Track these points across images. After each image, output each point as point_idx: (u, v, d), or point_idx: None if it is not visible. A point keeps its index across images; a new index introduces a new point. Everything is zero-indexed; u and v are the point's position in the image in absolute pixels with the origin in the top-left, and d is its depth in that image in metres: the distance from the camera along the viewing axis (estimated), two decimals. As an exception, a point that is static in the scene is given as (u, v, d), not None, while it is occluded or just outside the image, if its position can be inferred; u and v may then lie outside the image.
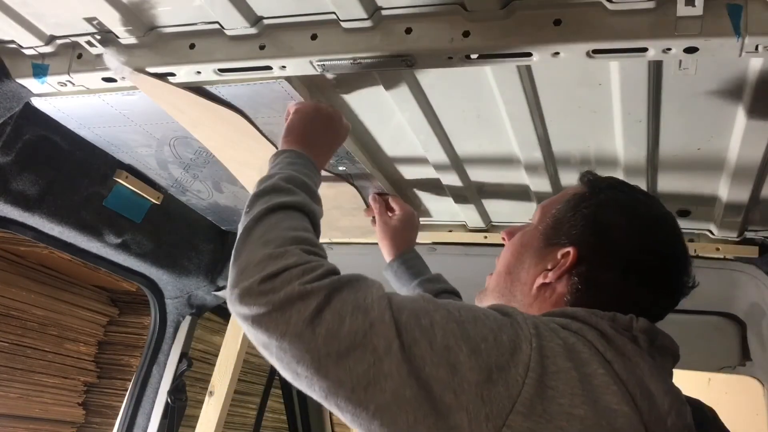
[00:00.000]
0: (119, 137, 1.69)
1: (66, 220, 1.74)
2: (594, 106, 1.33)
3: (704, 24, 0.97)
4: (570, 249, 0.92)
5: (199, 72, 1.29)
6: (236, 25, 1.21)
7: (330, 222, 1.99)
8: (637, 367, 0.78)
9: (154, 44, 1.29)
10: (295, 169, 1.03)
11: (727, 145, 1.38)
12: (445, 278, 1.55)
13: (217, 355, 2.44)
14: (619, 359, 0.77)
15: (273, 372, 3.39)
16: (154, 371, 2.25)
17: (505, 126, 1.44)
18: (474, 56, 1.12)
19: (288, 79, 1.28)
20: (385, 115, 1.47)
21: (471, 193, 1.77)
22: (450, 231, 1.98)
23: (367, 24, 1.14)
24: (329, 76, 1.32)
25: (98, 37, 1.30)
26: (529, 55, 1.09)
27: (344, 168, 1.67)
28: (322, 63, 1.20)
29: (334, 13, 1.15)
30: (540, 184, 1.63)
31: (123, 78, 1.33)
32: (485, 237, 1.93)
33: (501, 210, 1.87)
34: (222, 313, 2.59)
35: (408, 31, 1.13)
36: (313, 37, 1.19)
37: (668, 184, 1.59)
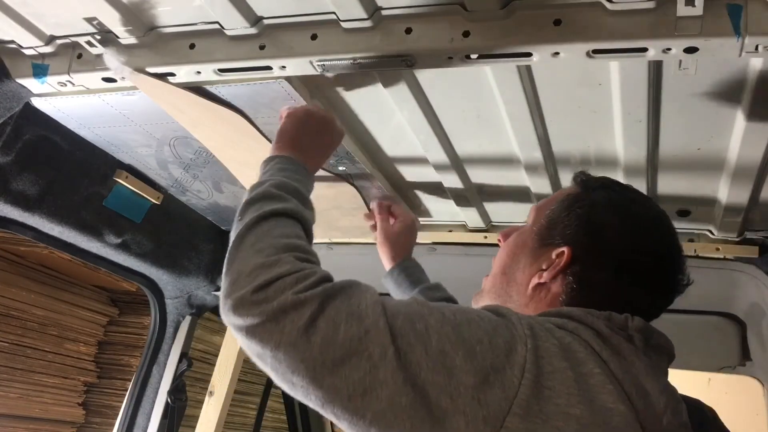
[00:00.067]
0: (119, 137, 1.69)
1: (66, 220, 1.74)
2: (594, 106, 1.33)
3: (704, 24, 0.98)
4: (564, 249, 0.93)
5: (199, 72, 1.29)
6: (236, 25, 1.21)
7: (330, 222, 1.99)
8: (632, 366, 0.78)
9: (154, 44, 1.29)
10: (286, 175, 1.02)
11: (727, 145, 1.38)
12: (446, 282, 1.54)
13: (217, 355, 2.44)
14: (615, 358, 0.77)
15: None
16: (154, 371, 2.25)
17: (505, 126, 1.44)
18: (474, 56, 1.12)
19: (288, 79, 1.28)
20: (385, 115, 1.47)
21: (471, 194, 1.77)
22: (450, 231, 1.98)
23: (367, 24, 1.14)
24: (329, 75, 1.32)
25: (98, 37, 1.30)
26: (529, 55, 1.09)
27: (344, 168, 1.67)
28: (322, 63, 1.20)
29: (334, 13, 1.15)
30: (540, 184, 1.63)
31: (123, 78, 1.33)
32: (485, 237, 1.93)
33: (501, 210, 1.87)
34: (222, 313, 2.58)
35: (408, 31, 1.13)
36: (313, 37, 1.19)
37: (668, 184, 1.59)
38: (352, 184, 1.76)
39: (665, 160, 1.49)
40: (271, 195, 0.95)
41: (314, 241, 2.28)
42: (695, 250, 1.76)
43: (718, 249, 1.75)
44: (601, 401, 0.72)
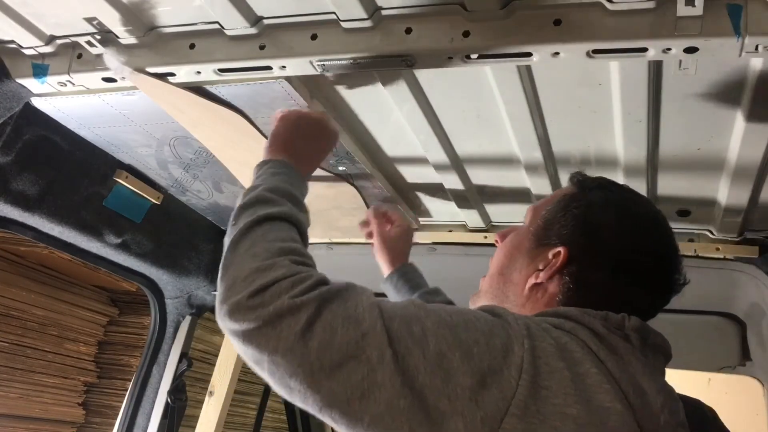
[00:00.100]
0: (119, 137, 1.69)
1: (66, 220, 1.74)
2: (594, 106, 1.33)
3: (704, 24, 0.98)
4: (561, 249, 0.93)
5: (199, 72, 1.29)
6: (236, 25, 1.21)
7: (330, 222, 1.99)
8: (629, 365, 0.78)
9: (154, 44, 1.29)
10: (279, 179, 1.02)
11: (727, 145, 1.38)
12: (446, 282, 1.54)
13: (217, 355, 2.44)
14: (612, 358, 0.77)
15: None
16: (154, 371, 2.25)
17: (505, 126, 1.44)
18: (474, 56, 1.12)
19: (288, 79, 1.28)
20: (385, 114, 1.47)
21: (471, 194, 1.77)
22: (450, 231, 1.98)
23: (367, 24, 1.14)
24: (329, 75, 1.32)
25: (98, 37, 1.30)
26: (529, 55, 1.09)
27: (344, 168, 1.67)
28: (322, 63, 1.20)
29: (334, 13, 1.15)
30: (540, 184, 1.63)
31: (123, 78, 1.33)
32: (485, 237, 1.94)
33: (501, 210, 1.87)
34: (222, 313, 2.58)
35: (408, 31, 1.13)
36: (313, 37, 1.19)
37: (668, 184, 1.59)
38: (352, 184, 1.76)
39: (665, 160, 1.49)
40: (265, 199, 0.95)
41: (314, 241, 2.29)
42: (695, 250, 1.76)
43: (718, 249, 1.75)
44: (598, 401, 0.72)
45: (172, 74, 1.31)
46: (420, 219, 1.98)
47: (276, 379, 0.74)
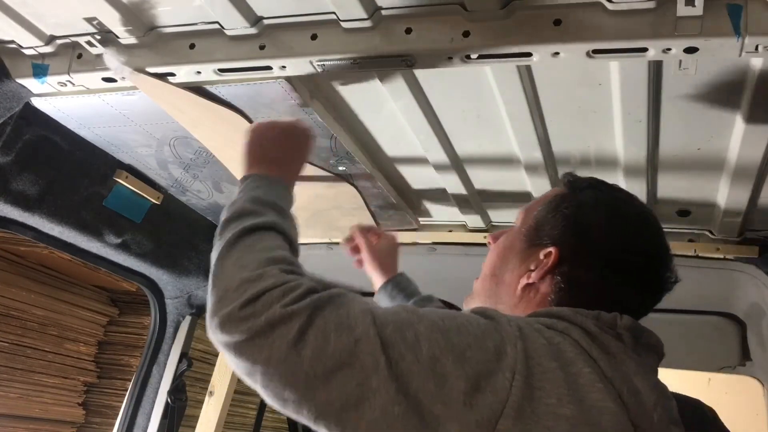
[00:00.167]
0: (119, 137, 1.69)
1: (66, 220, 1.74)
2: (594, 106, 1.33)
3: (704, 24, 0.98)
4: (552, 249, 0.93)
5: (199, 72, 1.29)
6: (236, 25, 1.21)
7: (330, 222, 1.99)
8: (622, 364, 0.78)
9: (154, 44, 1.29)
10: (260, 191, 1.00)
11: (727, 145, 1.38)
12: (446, 282, 1.55)
13: (217, 355, 2.43)
14: (605, 357, 0.78)
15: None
16: (154, 371, 2.25)
17: (505, 126, 1.44)
18: (474, 56, 1.12)
19: (288, 79, 1.28)
20: (384, 115, 1.47)
21: (471, 194, 1.77)
22: (450, 231, 1.98)
23: (367, 24, 1.14)
24: (329, 76, 1.32)
25: (98, 37, 1.30)
26: (529, 55, 1.09)
27: (344, 168, 1.67)
28: (322, 63, 1.20)
29: (334, 13, 1.15)
30: (540, 184, 1.63)
31: (123, 78, 1.33)
32: (485, 237, 1.93)
33: (501, 210, 1.87)
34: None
35: (408, 31, 1.13)
36: (313, 37, 1.19)
37: (668, 184, 1.59)
38: (352, 184, 1.76)
39: (665, 160, 1.49)
40: (248, 211, 0.94)
41: (314, 241, 2.29)
42: (695, 250, 1.76)
43: (718, 249, 1.75)
44: (591, 400, 0.72)
45: (172, 74, 1.31)
46: (420, 219, 1.98)
47: (269, 391, 0.74)
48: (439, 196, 1.84)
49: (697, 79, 1.19)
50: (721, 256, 1.75)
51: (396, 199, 1.83)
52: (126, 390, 2.43)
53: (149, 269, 2.11)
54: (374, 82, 1.34)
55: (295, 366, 0.72)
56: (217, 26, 1.23)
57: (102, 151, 1.77)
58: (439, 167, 1.64)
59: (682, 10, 0.97)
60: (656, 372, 0.87)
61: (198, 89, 1.36)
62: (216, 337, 0.78)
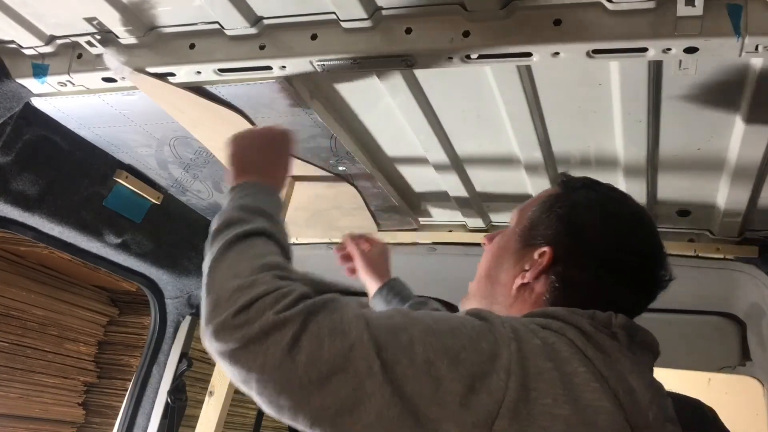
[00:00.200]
0: (119, 137, 1.69)
1: (66, 220, 1.74)
2: (594, 106, 1.33)
3: (704, 24, 0.97)
4: (546, 249, 0.93)
5: (199, 72, 1.29)
6: (236, 25, 1.21)
7: (330, 222, 1.99)
8: (617, 363, 0.78)
9: (154, 44, 1.29)
10: (247, 200, 1.00)
11: (727, 145, 1.38)
12: (446, 282, 1.55)
13: (217, 355, 2.43)
14: (600, 356, 0.78)
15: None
16: (154, 371, 2.25)
17: (505, 126, 1.44)
18: (474, 56, 1.12)
19: (288, 79, 1.28)
20: (385, 115, 1.47)
21: (471, 194, 1.77)
22: (450, 231, 1.98)
23: (367, 24, 1.14)
24: (329, 76, 1.32)
25: (98, 37, 1.30)
26: (529, 55, 1.09)
27: (344, 168, 1.67)
28: (322, 63, 1.20)
29: (334, 13, 1.15)
30: (540, 184, 1.63)
31: (123, 78, 1.33)
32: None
33: (501, 210, 1.87)
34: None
35: (408, 31, 1.13)
36: (313, 37, 1.19)
37: (668, 184, 1.59)
38: (352, 184, 1.76)
39: (665, 160, 1.49)
40: (236, 219, 0.93)
41: (314, 241, 2.29)
42: (695, 250, 1.76)
43: (718, 249, 1.75)
44: (586, 400, 0.73)
45: (172, 74, 1.31)
46: (420, 219, 1.98)
47: (265, 398, 0.73)
48: (439, 196, 1.84)
49: (697, 79, 1.19)
50: (721, 256, 1.75)
51: (396, 199, 1.83)
52: (126, 390, 2.43)
53: (149, 269, 2.11)
54: (374, 82, 1.34)
55: (290, 372, 0.71)
56: (217, 26, 1.23)
57: (102, 151, 1.77)
58: (439, 167, 1.64)
59: (682, 10, 0.97)
60: (652, 370, 0.87)
61: (198, 89, 1.36)
62: (211, 345, 0.78)
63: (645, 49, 1.03)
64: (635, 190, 1.58)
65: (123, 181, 1.84)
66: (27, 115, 1.53)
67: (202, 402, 2.37)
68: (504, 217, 1.91)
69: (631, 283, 0.92)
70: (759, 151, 1.35)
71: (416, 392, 0.70)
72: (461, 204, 1.82)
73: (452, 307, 1.74)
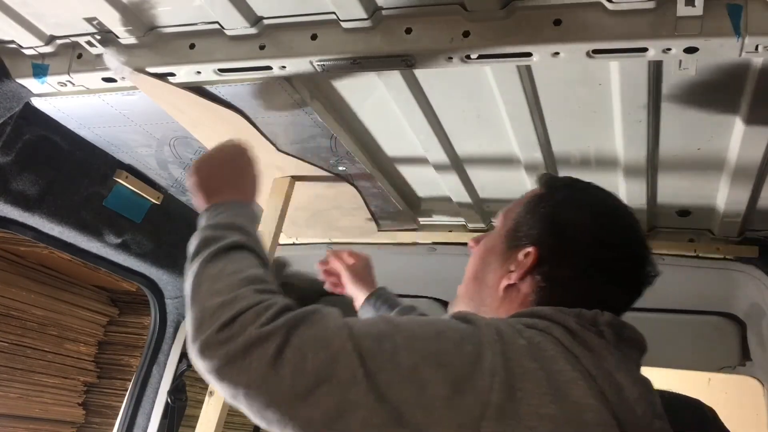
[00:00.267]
0: (119, 137, 1.69)
1: (66, 220, 1.74)
2: (594, 106, 1.33)
3: (704, 24, 0.97)
4: (531, 249, 0.94)
5: (199, 72, 1.29)
6: (236, 25, 1.21)
7: (330, 222, 1.99)
8: (604, 360, 0.79)
9: (154, 44, 1.29)
10: (220, 218, 1.00)
11: (727, 145, 1.38)
12: (446, 282, 1.56)
13: (217, 356, 2.43)
14: (587, 354, 0.78)
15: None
16: (154, 371, 2.25)
17: (505, 126, 1.44)
18: (474, 56, 1.12)
19: (288, 79, 1.28)
20: (384, 115, 1.47)
21: (471, 194, 1.77)
22: (450, 231, 1.98)
23: (367, 24, 1.14)
24: (329, 76, 1.32)
25: (98, 37, 1.30)
26: (529, 55, 1.09)
27: (344, 168, 1.67)
28: (322, 63, 1.20)
29: (334, 13, 1.15)
30: (540, 184, 1.63)
31: (123, 78, 1.33)
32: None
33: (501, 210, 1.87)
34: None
35: (408, 31, 1.13)
36: (313, 37, 1.19)
37: (668, 184, 1.59)
38: (352, 184, 1.76)
39: (665, 160, 1.49)
40: (211, 237, 0.94)
41: (314, 241, 2.29)
42: (695, 250, 1.76)
43: (718, 249, 1.75)
44: (573, 398, 0.73)
45: (172, 74, 1.31)
46: (420, 219, 1.98)
47: (254, 411, 0.74)
48: (439, 196, 1.84)
49: (697, 79, 1.19)
50: (721, 256, 1.75)
51: (396, 199, 1.83)
52: (126, 390, 2.43)
53: (149, 269, 2.11)
54: (374, 82, 1.34)
55: (275, 386, 0.72)
56: (217, 26, 1.23)
57: (102, 151, 1.77)
58: (439, 167, 1.64)
59: (682, 10, 0.97)
60: (639, 367, 0.87)
61: (198, 89, 1.36)
62: (198, 364, 0.79)
63: (645, 49, 1.03)
64: (635, 190, 1.58)
65: (123, 181, 1.84)
66: (27, 115, 1.53)
67: (202, 402, 2.36)
68: (504, 217, 1.91)
69: (618, 281, 0.92)
70: (759, 151, 1.35)
71: (401, 398, 0.70)
72: (461, 204, 1.82)
73: (452, 308, 1.75)
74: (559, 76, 1.26)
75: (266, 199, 1.73)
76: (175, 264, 2.13)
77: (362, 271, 1.60)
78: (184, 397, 2.28)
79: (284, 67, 1.22)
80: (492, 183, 1.73)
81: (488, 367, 0.72)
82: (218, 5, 1.17)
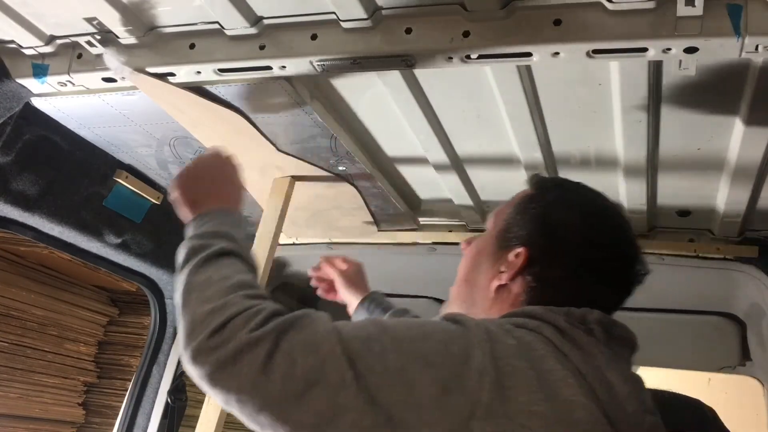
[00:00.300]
0: (119, 137, 1.69)
1: (66, 220, 1.74)
2: (594, 106, 1.33)
3: (704, 24, 0.97)
4: (521, 249, 0.94)
5: (199, 72, 1.29)
6: (236, 25, 1.21)
7: (330, 222, 1.99)
8: (594, 358, 0.79)
9: (154, 44, 1.29)
10: (205, 227, 1.01)
11: (727, 145, 1.38)
12: (446, 282, 1.56)
13: (217, 356, 2.43)
14: (577, 352, 0.79)
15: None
16: (154, 371, 2.25)
17: (505, 126, 1.44)
18: (474, 56, 1.12)
19: (288, 79, 1.28)
20: (384, 114, 1.47)
21: (471, 194, 1.77)
22: (450, 231, 1.98)
23: (367, 24, 1.14)
24: (329, 76, 1.32)
25: (98, 37, 1.30)
26: (529, 55, 1.09)
27: (344, 168, 1.67)
28: (322, 63, 1.20)
29: (334, 13, 1.15)
30: (540, 184, 1.63)
31: (123, 78, 1.33)
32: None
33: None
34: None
35: (408, 31, 1.13)
36: (313, 37, 1.19)
37: (668, 184, 1.59)
38: (352, 184, 1.76)
39: (665, 160, 1.49)
40: (198, 246, 0.95)
41: (314, 241, 2.29)
42: (695, 250, 1.76)
43: (718, 249, 1.75)
44: (563, 396, 0.74)
45: (172, 74, 1.31)
46: (420, 219, 1.98)
47: (246, 416, 0.75)
48: (439, 196, 1.84)
49: (697, 79, 1.19)
50: (721, 256, 1.75)
51: (396, 199, 1.83)
52: (126, 390, 2.43)
53: (149, 269, 2.11)
54: (374, 82, 1.34)
55: (266, 390, 0.73)
56: (217, 26, 1.23)
57: (102, 151, 1.77)
58: (439, 167, 1.64)
59: (682, 10, 0.97)
60: (630, 364, 0.88)
61: (198, 89, 1.36)
62: (191, 371, 0.79)
63: (645, 49, 1.03)
64: (635, 190, 1.58)
65: (123, 181, 1.84)
66: (27, 115, 1.53)
67: (202, 402, 2.36)
68: (504, 217, 1.91)
69: (608, 281, 0.93)
70: (759, 151, 1.35)
71: (390, 399, 0.71)
72: (461, 204, 1.82)
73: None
74: (559, 76, 1.26)
75: (266, 199, 1.73)
76: (175, 264, 2.13)
77: (355, 277, 1.62)
78: (184, 397, 2.28)
79: (284, 67, 1.22)
80: (492, 183, 1.73)
81: (477, 367, 0.73)
82: (218, 5, 1.17)
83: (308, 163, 1.65)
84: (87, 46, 1.32)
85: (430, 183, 1.78)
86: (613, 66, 1.18)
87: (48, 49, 1.37)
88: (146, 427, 2.22)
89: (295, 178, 1.72)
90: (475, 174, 1.70)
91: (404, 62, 1.15)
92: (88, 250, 1.91)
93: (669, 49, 1.02)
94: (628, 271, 0.95)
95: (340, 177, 1.72)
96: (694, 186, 1.57)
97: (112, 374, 3.93)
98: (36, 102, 1.50)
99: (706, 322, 1.97)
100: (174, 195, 1.09)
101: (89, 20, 1.28)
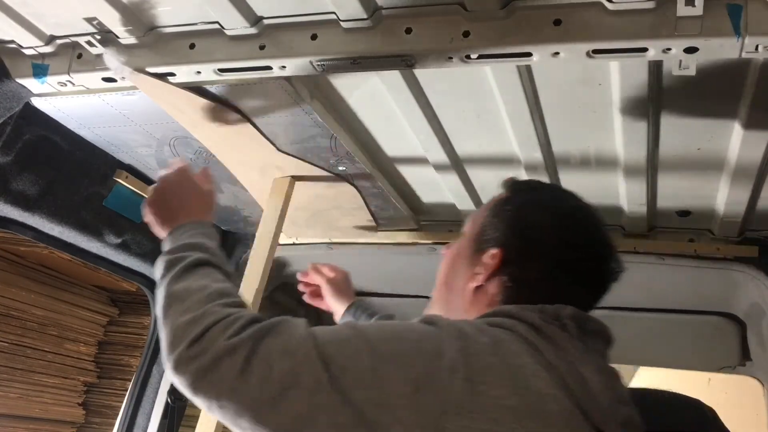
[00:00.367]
0: (119, 137, 1.69)
1: (66, 220, 1.74)
2: (594, 106, 1.33)
3: (704, 24, 0.97)
4: (496, 251, 0.96)
5: (199, 72, 1.29)
6: (236, 25, 1.21)
7: (330, 222, 1.99)
8: (567, 353, 0.81)
9: (154, 44, 1.29)
10: (179, 241, 1.03)
11: (727, 145, 1.38)
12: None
13: (217, 356, 2.43)
14: (550, 347, 0.81)
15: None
16: (154, 371, 2.25)
17: (505, 126, 1.44)
18: (474, 56, 1.12)
19: (288, 79, 1.28)
20: (384, 114, 1.47)
21: (471, 194, 1.77)
22: (450, 231, 1.98)
23: (367, 24, 1.14)
24: (329, 75, 1.32)
25: (98, 37, 1.30)
26: (529, 55, 1.09)
27: (344, 168, 1.67)
28: (322, 63, 1.19)
29: (334, 13, 1.15)
30: (540, 184, 1.63)
31: (123, 78, 1.33)
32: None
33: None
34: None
35: (408, 31, 1.13)
36: (313, 37, 1.19)
37: (668, 184, 1.59)
38: (352, 184, 1.76)
39: (665, 160, 1.49)
40: (174, 259, 0.97)
41: (314, 241, 2.30)
42: (695, 250, 1.76)
43: (718, 249, 1.75)
44: (535, 388, 0.75)
45: (172, 74, 1.31)
46: (420, 219, 1.98)
47: (228, 420, 0.77)
48: (439, 196, 1.84)
49: (697, 79, 1.18)
50: (721, 256, 1.75)
51: (396, 198, 1.83)
52: (126, 390, 2.43)
53: (149, 269, 2.10)
54: (374, 82, 1.34)
55: (245, 395, 0.76)
56: (217, 26, 1.23)
57: (102, 151, 1.77)
58: (439, 167, 1.64)
59: (682, 10, 0.97)
60: (605, 357, 0.89)
61: (198, 89, 1.36)
62: (175, 379, 0.82)
63: (645, 49, 1.03)
64: (635, 190, 1.58)
65: (123, 181, 1.84)
66: (27, 115, 1.53)
67: (202, 402, 2.37)
68: (504, 217, 1.91)
69: (582, 281, 0.94)
70: (759, 151, 1.35)
71: (363, 398, 0.73)
72: (461, 204, 1.82)
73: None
74: (559, 76, 1.27)
75: (266, 199, 1.73)
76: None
77: (342, 284, 1.65)
78: (184, 397, 2.28)
79: (284, 67, 1.22)
80: (492, 183, 1.73)
81: (448, 364, 0.75)
82: (218, 5, 1.17)
83: (308, 163, 1.65)
84: (87, 46, 1.32)
85: (430, 183, 1.78)
86: (613, 66, 1.18)
87: (48, 49, 1.37)
88: (146, 427, 2.22)
89: (295, 178, 1.72)
90: (475, 174, 1.70)
91: (404, 62, 1.15)
92: (88, 250, 1.91)
93: (669, 49, 1.02)
94: (603, 269, 0.96)
95: (340, 177, 1.72)
96: (694, 186, 1.57)
97: (112, 374, 3.93)
98: (36, 102, 1.50)
99: (706, 322, 1.97)
100: (147, 218, 1.12)
101: (89, 20, 1.28)
